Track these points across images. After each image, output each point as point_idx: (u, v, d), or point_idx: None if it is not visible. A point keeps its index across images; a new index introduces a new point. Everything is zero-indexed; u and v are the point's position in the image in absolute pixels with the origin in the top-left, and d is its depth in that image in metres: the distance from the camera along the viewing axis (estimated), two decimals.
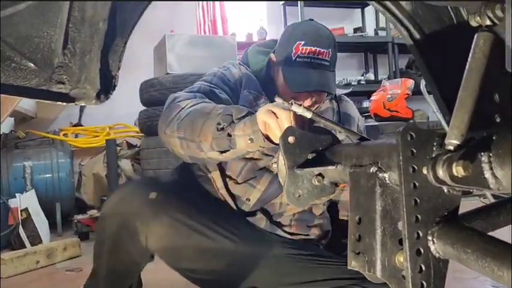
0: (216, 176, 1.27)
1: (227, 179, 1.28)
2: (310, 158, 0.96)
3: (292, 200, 0.96)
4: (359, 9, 5.23)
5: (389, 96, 3.76)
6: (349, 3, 5.01)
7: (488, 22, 0.58)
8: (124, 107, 4.03)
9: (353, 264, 0.73)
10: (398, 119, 3.69)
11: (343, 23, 5.03)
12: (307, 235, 1.31)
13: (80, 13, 0.81)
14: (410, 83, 3.80)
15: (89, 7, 0.82)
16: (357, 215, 0.73)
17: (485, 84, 0.98)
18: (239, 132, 0.99)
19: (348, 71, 5.03)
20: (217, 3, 4.82)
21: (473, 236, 0.58)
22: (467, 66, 0.58)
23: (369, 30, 5.11)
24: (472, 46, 0.59)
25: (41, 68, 0.81)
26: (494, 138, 0.55)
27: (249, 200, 1.26)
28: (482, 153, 0.53)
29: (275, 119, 0.96)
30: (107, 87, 0.88)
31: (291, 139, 0.95)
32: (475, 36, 0.59)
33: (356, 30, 5.04)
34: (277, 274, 1.22)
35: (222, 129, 1.00)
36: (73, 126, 4.01)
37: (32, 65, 0.81)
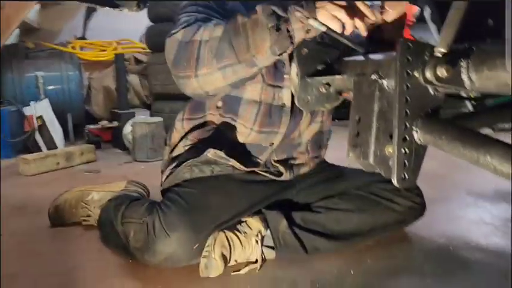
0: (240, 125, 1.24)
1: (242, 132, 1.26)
2: (320, 68, 1.10)
3: (302, 105, 1.12)
4: None
5: None
6: None
7: None
8: (127, 23, 4.04)
9: (351, 155, 0.90)
10: None
11: None
12: (319, 155, 1.44)
13: None
14: (415, 9, 3.80)
15: None
16: (357, 115, 0.89)
17: (477, 10, 1.11)
18: (297, 25, 0.97)
19: None
20: None
21: (447, 127, 0.74)
22: None
23: None
24: None
25: None
26: (474, 49, 0.69)
27: (273, 144, 1.28)
28: (462, 60, 0.68)
29: (344, 13, 0.96)
30: None
31: (304, 51, 1.09)
32: None
33: None
34: (306, 196, 1.38)
35: (279, 29, 0.96)
36: (77, 39, 4.04)
37: None
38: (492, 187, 1.92)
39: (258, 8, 0.99)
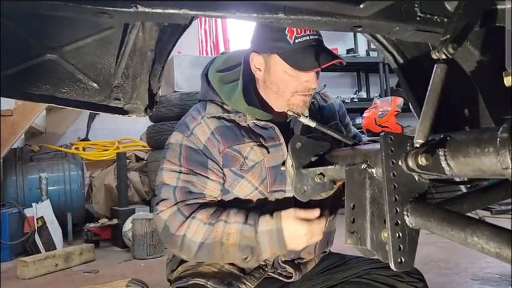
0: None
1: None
2: (313, 160, 1.18)
3: (298, 195, 1.17)
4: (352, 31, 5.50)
5: (380, 113, 4.01)
6: None
7: (443, 56, 0.81)
8: (128, 123, 4.24)
9: (349, 241, 0.93)
10: None
11: (336, 44, 5.32)
12: (326, 252, 1.43)
13: (133, 45, 1.03)
14: (400, 100, 4.04)
15: (140, 40, 1.04)
16: (352, 203, 0.94)
17: (453, 102, 1.23)
18: (267, 253, 1.17)
19: (342, 89, 5.30)
20: (219, 24, 5.08)
21: (435, 210, 0.79)
22: (428, 88, 0.81)
23: (361, 51, 5.40)
24: (432, 74, 0.81)
25: (103, 87, 1.04)
26: (448, 139, 0.77)
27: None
28: (439, 149, 0.75)
29: (307, 228, 1.14)
30: (151, 103, 1.10)
31: (298, 145, 1.17)
32: (434, 66, 0.81)
33: (348, 51, 5.34)
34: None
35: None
36: (81, 140, 4.20)
37: (95, 85, 1.03)
38: (496, 271, 1.90)
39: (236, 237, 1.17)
